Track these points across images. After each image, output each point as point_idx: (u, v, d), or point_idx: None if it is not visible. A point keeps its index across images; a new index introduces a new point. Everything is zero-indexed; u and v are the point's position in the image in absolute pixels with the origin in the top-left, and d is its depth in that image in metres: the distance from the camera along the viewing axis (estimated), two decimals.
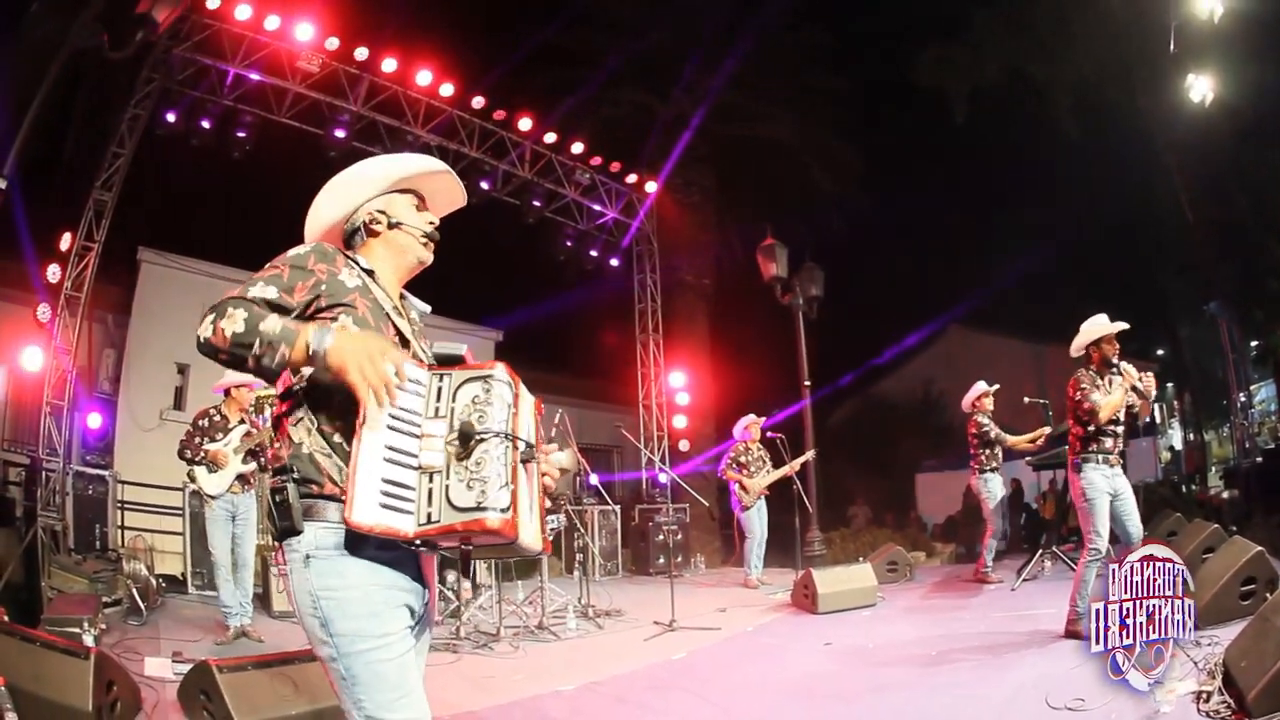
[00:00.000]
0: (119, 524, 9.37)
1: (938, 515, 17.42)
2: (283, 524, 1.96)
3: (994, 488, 8.74)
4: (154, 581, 7.87)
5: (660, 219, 14.88)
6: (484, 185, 12.04)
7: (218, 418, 6.80)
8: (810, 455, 10.15)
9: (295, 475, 1.98)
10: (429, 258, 2.36)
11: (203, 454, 6.63)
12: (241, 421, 6.83)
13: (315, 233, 2.35)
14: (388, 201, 2.32)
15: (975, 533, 9.27)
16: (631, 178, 14.12)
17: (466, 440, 1.91)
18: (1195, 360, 19.58)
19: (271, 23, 9.85)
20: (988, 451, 8.73)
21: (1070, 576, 8.02)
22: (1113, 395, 5.64)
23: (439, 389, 2.01)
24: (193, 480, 6.77)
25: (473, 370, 2.03)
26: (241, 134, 10.32)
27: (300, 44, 10.16)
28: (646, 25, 15.37)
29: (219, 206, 13.24)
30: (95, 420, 9.89)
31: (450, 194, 2.46)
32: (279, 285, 2.02)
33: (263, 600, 7.84)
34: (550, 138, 12.65)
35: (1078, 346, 6.01)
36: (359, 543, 1.93)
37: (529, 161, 12.68)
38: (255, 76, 10.19)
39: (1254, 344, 15.94)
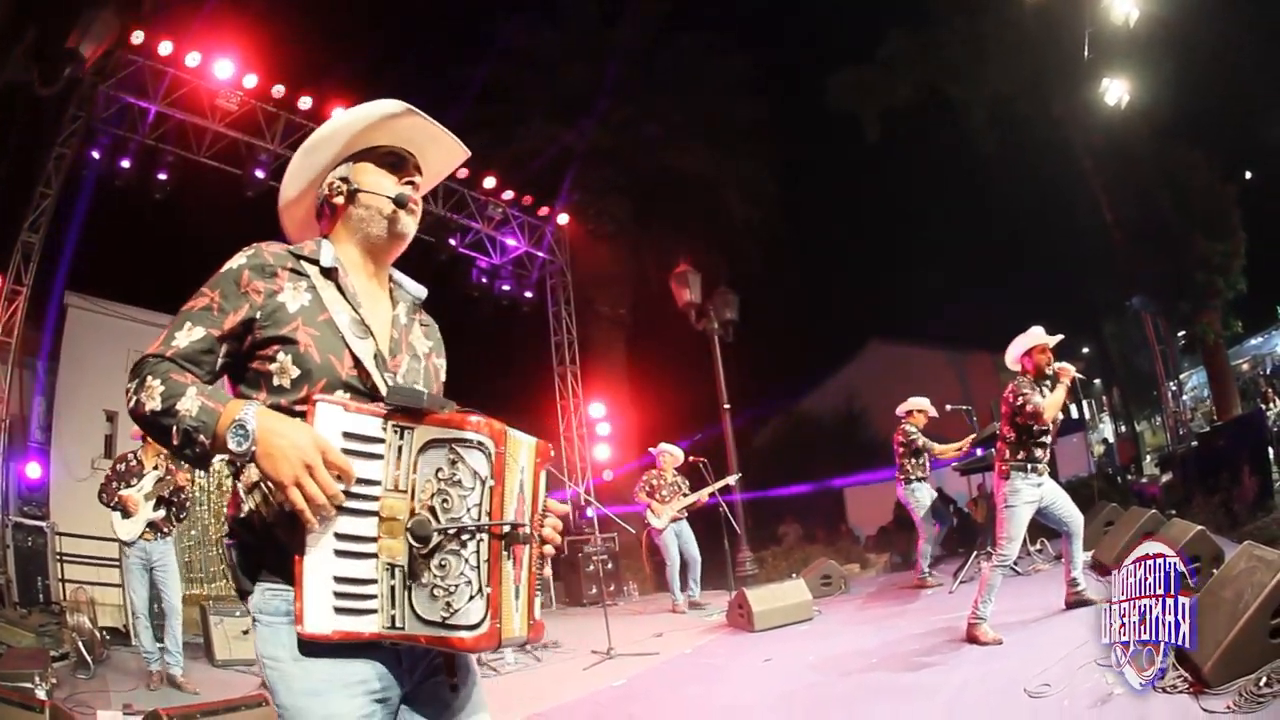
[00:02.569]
0: (59, 576, 9.11)
1: (869, 527, 17.58)
2: (235, 584, 1.73)
3: (921, 496, 8.89)
4: (98, 634, 7.67)
5: (574, 251, 14.99)
6: None
7: (134, 462, 6.73)
8: (732, 480, 10.16)
9: (240, 539, 1.71)
10: (407, 229, 1.92)
11: (116, 499, 6.55)
12: (156, 467, 6.72)
13: (283, 213, 2.05)
14: (350, 167, 1.92)
15: (909, 541, 9.45)
16: (544, 211, 14.16)
17: (425, 541, 1.54)
18: (1121, 355, 20.19)
19: (192, 59, 9.75)
20: (913, 461, 8.89)
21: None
22: (1054, 395, 5.74)
23: (399, 449, 1.60)
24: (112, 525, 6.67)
25: (438, 429, 1.59)
26: (162, 175, 10.19)
27: (220, 81, 10.06)
28: (561, 59, 15.54)
29: (142, 250, 13.01)
30: (35, 470, 9.57)
31: (435, 140, 2.02)
32: (206, 322, 1.70)
33: (205, 649, 7.70)
34: (463, 172, 12.58)
35: (1012, 358, 6.09)
36: None
37: (442, 197, 12.64)
38: (176, 114, 10.04)
39: (1181, 334, 16.50)
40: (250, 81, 10.24)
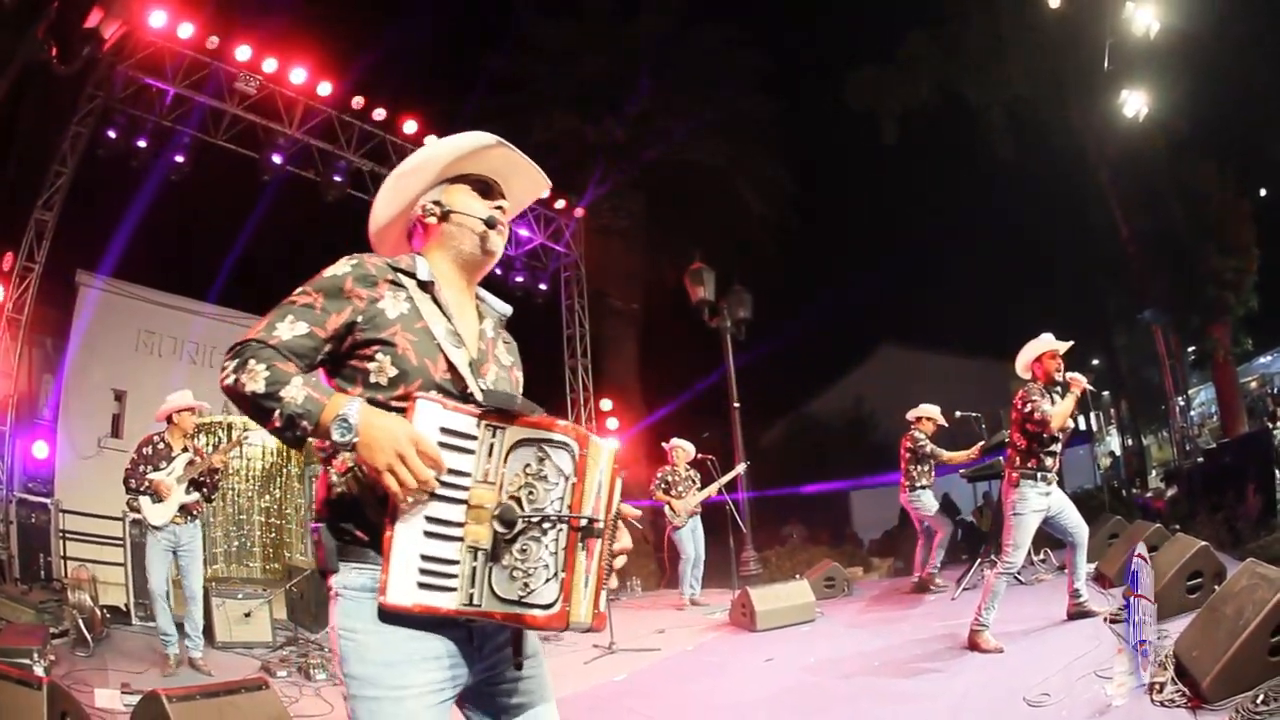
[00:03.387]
0: (62, 554, 9.12)
1: (874, 531, 17.55)
2: (319, 565, 1.83)
3: (927, 502, 8.86)
4: (99, 612, 7.69)
5: (589, 244, 14.94)
6: None
7: (161, 445, 6.65)
8: (741, 469, 10.17)
9: (329, 519, 1.82)
10: (495, 247, 2.06)
11: (147, 483, 6.48)
12: (185, 449, 6.69)
13: (375, 235, 2.16)
14: (443, 191, 2.06)
15: (914, 546, 9.40)
16: (560, 203, 14.13)
17: (509, 525, 1.69)
18: (1131, 367, 20.11)
19: (212, 42, 9.77)
20: (919, 468, 8.85)
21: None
22: (1063, 403, 5.68)
23: (490, 446, 1.75)
24: (135, 510, 6.63)
25: (528, 430, 1.75)
26: (179, 157, 10.22)
27: (239, 65, 10.06)
28: (580, 52, 15.52)
29: (155, 231, 13.09)
30: (42, 449, 9.56)
31: (520, 172, 2.15)
32: (310, 319, 1.80)
33: (206, 631, 7.72)
34: None
35: (1022, 365, 6.04)
36: None
37: None
38: (194, 96, 10.06)
39: (1190, 349, 16.44)
40: (270, 66, 10.26)
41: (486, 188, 2.10)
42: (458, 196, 2.05)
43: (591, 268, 14.96)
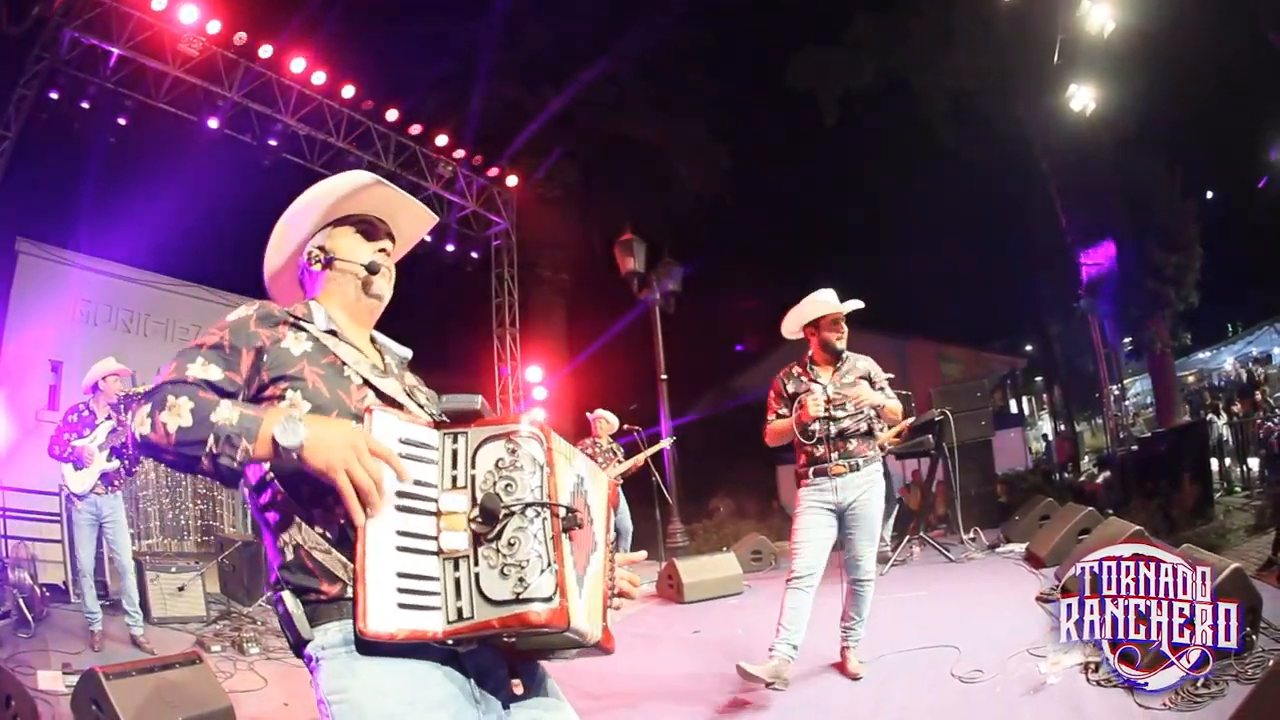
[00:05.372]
0: (1, 532, 8.91)
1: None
2: (293, 639, 1.69)
3: None
4: (39, 591, 7.53)
5: (521, 214, 14.90)
6: None
7: (86, 413, 6.59)
8: (666, 444, 10.07)
9: (290, 585, 1.69)
10: (381, 292, 2.03)
11: (70, 450, 6.41)
12: (109, 417, 6.60)
13: (270, 281, 2.14)
14: (328, 235, 2.03)
15: None
16: (493, 171, 14.02)
17: (493, 517, 1.59)
18: (1065, 355, 20.45)
19: (159, 2, 9.51)
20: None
21: (938, 561, 8.32)
22: (786, 421, 4.88)
23: (454, 452, 1.67)
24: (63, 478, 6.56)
25: (493, 427, 1.67)
26: (121, 120, 9.99)
27: (184, 26, 9.81)
28: (520, 20, 15.41)
29: (98, 197, 12.76)
30: None
31: (404, 208, 2.12)
32: (221, 362, 1.71)
33: (142, 606, 7.59)
34: (415, 129, 12.47)
35: (795, 326, 5.09)
36: (373, 642, 1.59)
37: (393, 153, 12.46)
38: (138, 58, 9.79)
39: (1127, 340, 16.80)
40: (214, 28, 10.02)
41: (372, 228, 2.06)
42: (341, 241, 2.02)
43: (523, 237, 14.93)
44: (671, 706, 4.71)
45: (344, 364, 1.82)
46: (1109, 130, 13.31)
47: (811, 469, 4.80)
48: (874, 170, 17.66)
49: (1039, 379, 24.49)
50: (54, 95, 9.51)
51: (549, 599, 1.56)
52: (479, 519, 1.59)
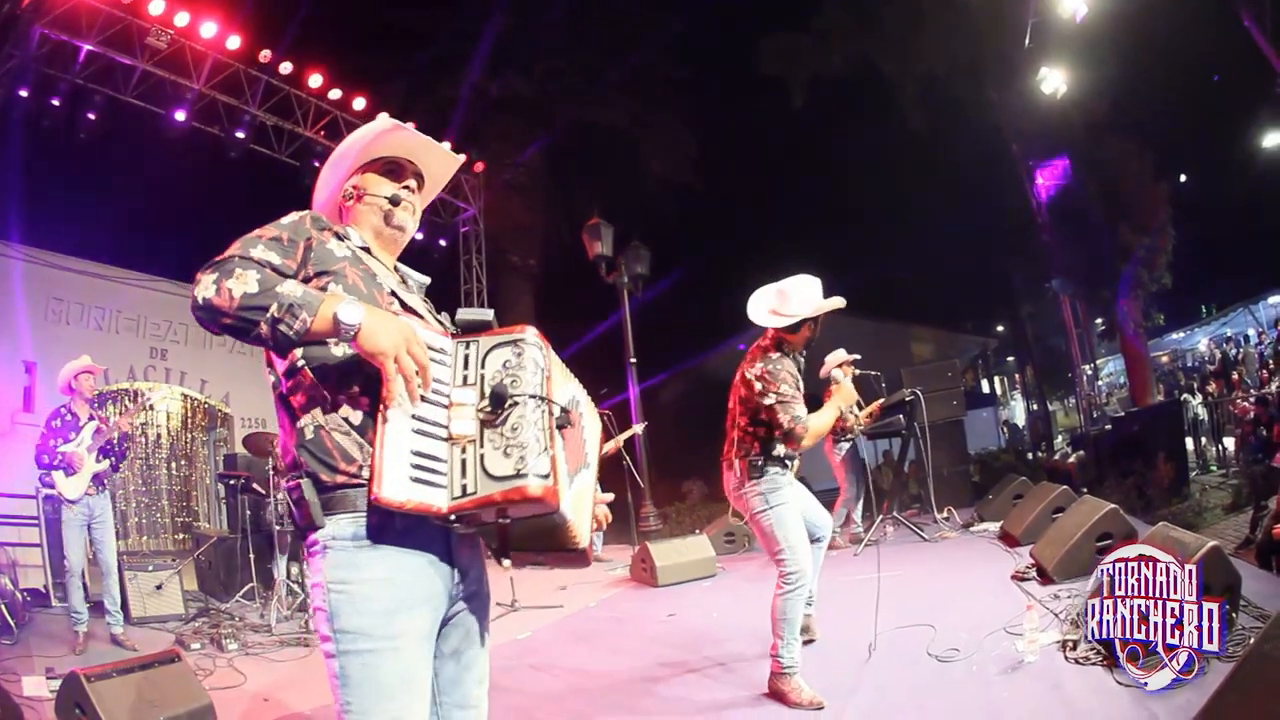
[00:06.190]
0: None
1: None
2: (303, 523, 1.84)
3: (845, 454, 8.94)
4: (20, 596, 7.47)
5: (488, 200, 14.88)
6: (316, 165, 11.75)
7: (69, 416, 6.54)
8: (637, 429, 10.07)
9: (308, 469, 1.84)
10: (402, 222, 2.25)
11: (59, 457, 6.36)
12: (90, 419, 6.58)
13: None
14: (361, 176, 2.28)
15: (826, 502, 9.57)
16: (460, 157, 13.88)
17: (500, 403, 1.80)
18: (1037, 335, 20.61)
19: None
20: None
21: (912, 540, 8.38)
22: (823, 414, 4.54)
23: (466, 356, 1.90)
24: (50, 486, 6.48)
25: (502, 335, 1.92)
26: (91, 115, 9.88)
27: (152, 19, 9.71)
28: (488, 6, 15.30)
29: (68, 194, 12.60)
30: None
31: (428, 149, 2.40)
32: (279, 250, 1.90)
33: (123, 606, 7.55)
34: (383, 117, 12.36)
35: (765, 313, 4.94)
36: (381, 532, 1.80)
37: None
38: (107, 53, 9.68)
39: (1099, 320, 16.92)
40: (182, 20, 9.93)
41: (399, 169, 2.30)
42: (370, 179, 2.26)
43: (491, 224, 14.92)
44: (650, 690, 4.72)
45: (375, 274, 2.05)
46: (1080, 112, 13.38)
47: (784, 458, 4.46)
48: (844, 154, 17.65)
49: (1010, 359, 24.64)
50: (23, 93, 9.41)
51: (545, 476, 1.75)
52: (487, 408, 1.81)
